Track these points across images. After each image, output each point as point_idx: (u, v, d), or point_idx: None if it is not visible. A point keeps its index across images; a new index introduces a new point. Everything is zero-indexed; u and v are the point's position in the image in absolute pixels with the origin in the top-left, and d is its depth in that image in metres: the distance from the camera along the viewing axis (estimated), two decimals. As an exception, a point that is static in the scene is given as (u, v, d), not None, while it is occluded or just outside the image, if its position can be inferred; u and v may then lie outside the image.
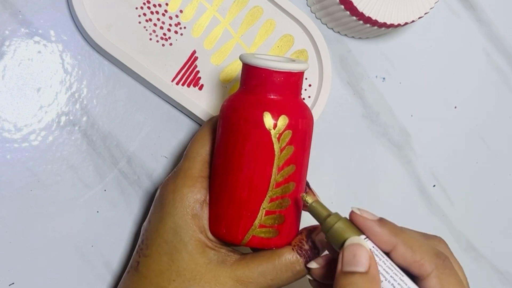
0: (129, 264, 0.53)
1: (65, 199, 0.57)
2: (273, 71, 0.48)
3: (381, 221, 0.47)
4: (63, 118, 0.57)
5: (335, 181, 0.64)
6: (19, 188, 0.56)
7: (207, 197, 0.51)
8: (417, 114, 0.66)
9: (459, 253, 0.67)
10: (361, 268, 0.44)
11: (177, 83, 0.58)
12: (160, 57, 0.58)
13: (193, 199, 0.50)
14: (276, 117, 0.48)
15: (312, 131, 0.51)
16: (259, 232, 0.49)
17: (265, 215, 0.49)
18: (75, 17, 0.56)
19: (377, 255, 0.46)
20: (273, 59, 0.49)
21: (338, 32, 0.64)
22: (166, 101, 0.59)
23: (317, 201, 0.48)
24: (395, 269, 0.46)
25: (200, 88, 0.59)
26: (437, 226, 0.67)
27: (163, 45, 0.58)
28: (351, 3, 0.58)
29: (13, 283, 0.56)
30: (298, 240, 0.50)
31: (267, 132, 0.48)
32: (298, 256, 0.50)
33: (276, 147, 0.48)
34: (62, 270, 0.57)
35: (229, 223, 0.49)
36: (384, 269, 0.46)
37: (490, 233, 0.68)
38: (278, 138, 0.48)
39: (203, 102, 0.58)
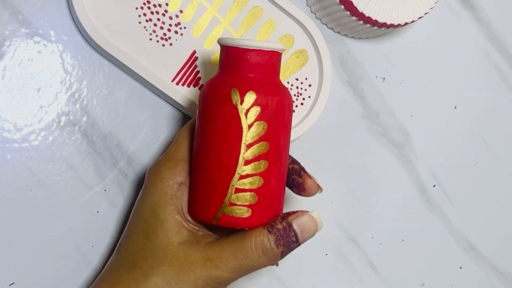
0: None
1: (65, 199, 0.57)
2: (243, 48, 0.49)
3: None
4: (63, 118, 0.57)
5: (335, 181, 0.64)
6: (19, 188, 0.56)
7: (188, 181, 0.51)
8: (417, 114, 0.66)
9: (459, 253, 0.68)
10: None
11: (177, 83, 0.58)
12: (160, 57, 0.58)
13: (173, 181, 0.51)
14: (243, 93, 0.48)
15: (288, 111, 0.50)
16: (229, 210, 0.49)
17: (235, 192, 0.49)
18: (75, 17, 0.56)
19: None
20: (244, 39, 0.50)
21: (338, 32, 0.64)
22: (166, 101, 0.59)
23: None
24: None
25: (200, 88, 0.59)
26: (437, 226, 0.67)
27: (163, 45, 0.58)
28: (351, 3, 0.58)
29: (13, 283, 0.56)
30: (272, 220, 0.50)
31: (234, 108, 0.48)
32: (268, 233, 0.49)
33: (244, 123, 0.48)
34: (62, 270, 0.57)
35: (201, 202, 0.50)
36: None
37: (490, 233, 0.68)
38: (246, 114, 0.48)
39: (203, 102, 0.58)
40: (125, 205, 0.58)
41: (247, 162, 0.49)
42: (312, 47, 0.61)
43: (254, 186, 0.49)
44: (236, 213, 0.49)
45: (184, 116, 0.60)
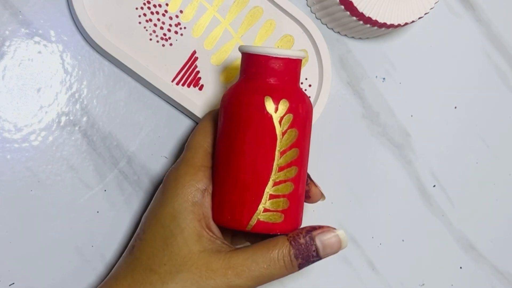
0: (126, 249, 0.53)
1: (65, 199, 0.57)
2: (272, 57, 0.50)
3: None
4: (63, 118, 0.57)
5: (335, 181, 0.64)
6: (19, 188, 0.56)
7: (209, 187, 0.51)
8: (417, 114, 0.66)
9: (459, 253, 0.68)
10: None
11: (177, 83, 0.58)
12: (160, 57, 0.58)
13: (195, 188, 0.51)
14: (277, 101, 0.49)
15: (311, 118, 0.52)
16: (264, 216, 0.50)
17: (270, 199, 0.49)
18: (75, 17, 0.56)
19: None
20: (272, 47, 0.50)
21: (338, 32, 0.64)
22: (166, 101, 0.59)
23: None
24: None
25: (200, 88, 0.59)
26: (437, 226, 0.67)
27: (163, 45, 0.58)
28: (351, 4, 0.58)
29: (13, 283, 0.56)
30: (296, 233, 0.51)
31: (269, 116, 0.49)
32: (290, 246, 0.50)
33: (278, 130, 0.49)
34: (62, 270, 0.57)
35: (233, 208, 0.50)
36: None
37: (490, 233, 0.68)
38: (280, 122, 0.49)
39: (203, 102, 0.58)
40: (125, 205, 0.58)
41: (280, 169, 0.49)
42: (312, 47, 0.61)
43: (287, 192, 0.50)
44: (270, 219, 0.50)
45: (184, 116, 0.60)
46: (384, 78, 0.65)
